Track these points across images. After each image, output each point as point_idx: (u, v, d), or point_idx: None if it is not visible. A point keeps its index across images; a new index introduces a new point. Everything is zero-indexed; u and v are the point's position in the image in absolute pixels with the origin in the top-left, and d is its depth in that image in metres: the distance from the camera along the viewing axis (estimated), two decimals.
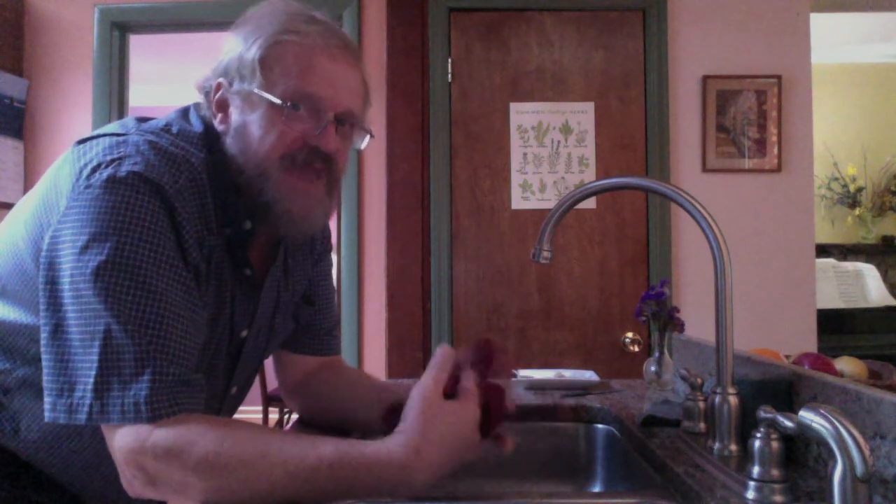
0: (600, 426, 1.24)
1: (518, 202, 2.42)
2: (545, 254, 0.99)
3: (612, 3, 2.43)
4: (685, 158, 2.41)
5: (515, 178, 2.42)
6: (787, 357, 1.15)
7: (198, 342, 0.80)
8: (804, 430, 0.64)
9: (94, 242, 0.74)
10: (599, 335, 2.39)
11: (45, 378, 0.74)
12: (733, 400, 0.87)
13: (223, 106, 0.89)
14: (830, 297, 3.33)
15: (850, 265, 3.55)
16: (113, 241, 0.74)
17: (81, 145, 0.84)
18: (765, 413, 0.72)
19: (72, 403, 0.72)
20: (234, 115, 0.87)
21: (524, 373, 1.51)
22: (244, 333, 0.94)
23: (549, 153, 2.42)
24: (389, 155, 2.42)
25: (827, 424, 0.61)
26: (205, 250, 0.84)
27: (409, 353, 2.38)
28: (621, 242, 2.40)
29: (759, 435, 0.73)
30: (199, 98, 0.92)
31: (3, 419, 0.87)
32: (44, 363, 0.74)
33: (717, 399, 0.88)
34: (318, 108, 0.86)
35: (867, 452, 0.60)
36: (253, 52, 0.85)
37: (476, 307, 2.40)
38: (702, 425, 0.99)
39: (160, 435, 0.71)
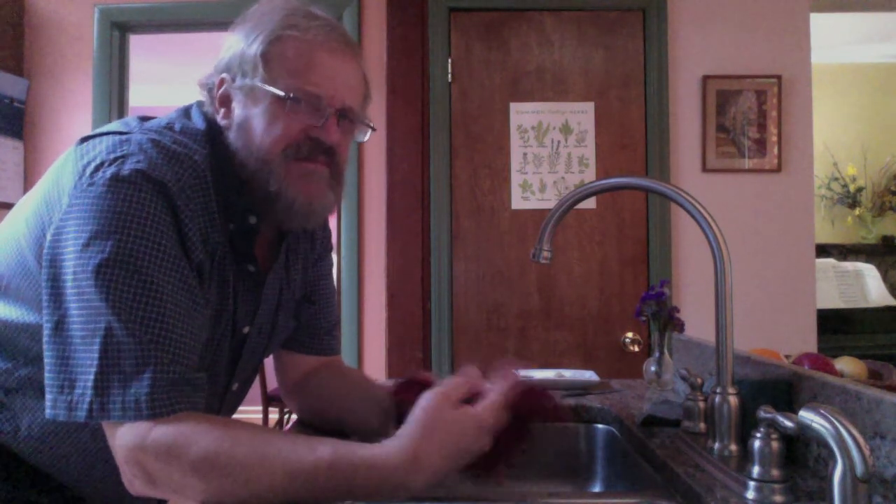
0: (600, 426, 1.24)
1: (518, 202, 2.42)
2: (545, 254, 0.99)
3: (612, 3, 2.43)
4: (685, 158, 2.41)
5: (515, 178, 2.42)
6: (787, 357, 1.15)
7: (199, 340, 0.80)
8: (804, 430, 0.64)
9: (97, 240, 0.74)
10: (599, 335, 2.38)
11: (46, 375, 0.74)
12: (733, 400, 0.87)
13: (226, 101, 0.89)
14: (830, 297, 3.33)
15: (850, 265, 3.55)
16: (115, 239, 0.74)
17: (84, 143, 0.84)
18: (765, 413, 0.72)
19: (72, 400, 0.72)
20: (237, 109, 0.88)
21: (524, 373, 1.51)
22: (246, 329, 0.94)
23: (549, 153, 2.42)
24: (389, 155, 2.42)
25: (827, 424, 0.61)
26: (209, 247, 0.84)
27: (409, 353, 2.38)
28: (621, 242, 2.40)
29: (759, 435, 0.73)
30: (200, 97, 0.93)
31: (4, 419, 0.87)
32: (45, 360, 0.75)
33: (717, 399, 0.88)
34: (318, 103, 0.87)
35: (867, 452, 0.60)
36: (255, 48, 0.86)
37: (476, 307, 2.40)
38: (702, 425, 0.99)
39: (160, 433, 0.71)
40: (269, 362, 1.14)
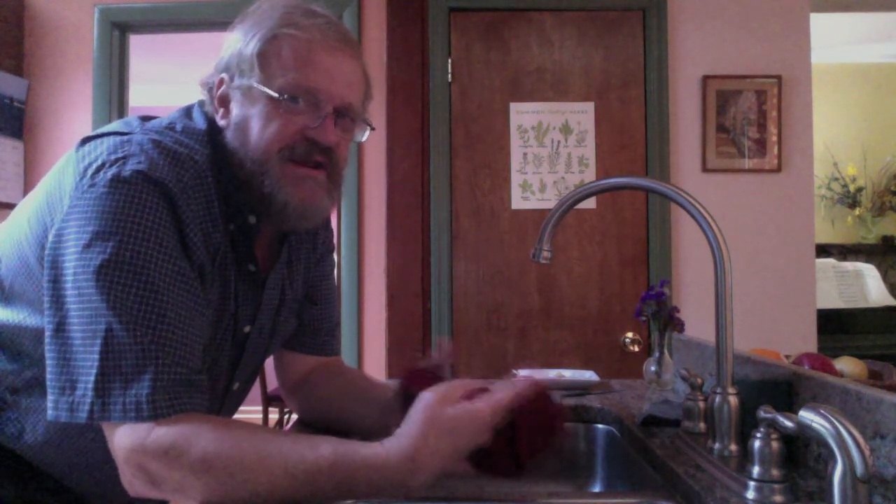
0: (600, 426, 1.24)
1: (518, 202, 2.42)
2: (545, 254, 0.99)
3: (612, 3, 2.43)
4: (685, 158, 2.41)
5: (515, 178, 2.42)
6: (787, 357, 1.15)
7: (201, 341, 0.80)
8: (804, 430, 0.64)
9: (98, 241, 0.74)
10: (599, 335, 2.39)
11: (48, 376, 0.74)
12: (733, 400, 0.87)
13: (225, 101, 0.89)
14: (830, 297, 3.33)
15: (850, 265, 3.55)
16: (116, 240, 0.74)
17: (85, 144, 0.84)
18: (765, 413, 0.72)
19: (73, 402, 0.72)
20: (235, 109, 0.88)
21: (524, 373, 1.51)
22: (247, 329, 0.94)
23: (549, 153, 2.42)
24: (389, 155, 2.42)
25: (827, 424, 0.61)
26: (210, 248, 0.84)
27: (409, 353, 2.38)
28: (621, 242, 2.40)
29: (759, 435, 0.73)
30: (201, 96, 0.93)
31: (10, 419, 0.87)
32: (47, 361, 0.75)
33: (717, 399, 0.88)
34: (316, 102, 0.86)
35: (867, 452, 0.60)
36: (252, 47, 0.86)
37: (476, 307, 2.40)
38: (702, 425, 0.99)
39: (160, 434, 0.71)
40: (269, 362, 1.15)
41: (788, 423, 0.67)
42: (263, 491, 0.71)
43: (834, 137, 4.25)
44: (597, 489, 1.21)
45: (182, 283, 0.78)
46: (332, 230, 1.14)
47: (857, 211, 4.29)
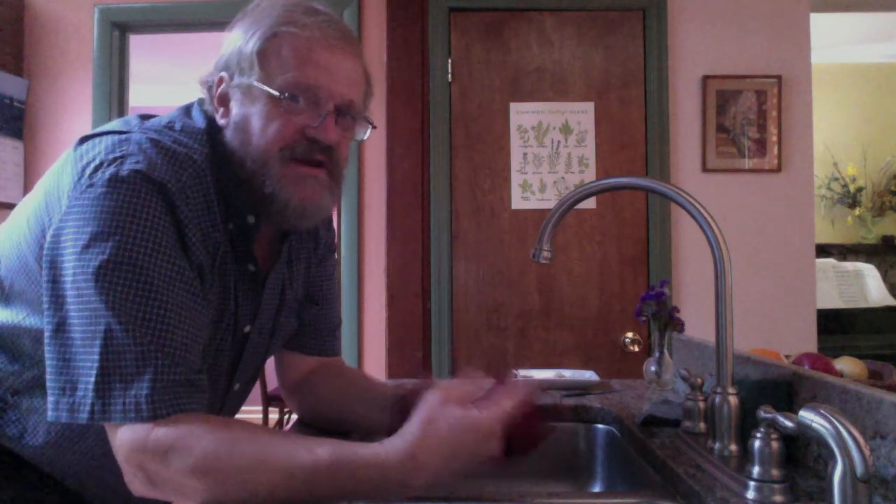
0: (600, 426, 1.24)
1: (518, 202, 2.42)
2: (545, 254, 0.99)
3: (612, 3, 2.43)
4: (685, 158, 2.41)
5: (515, 178, 2.42)
6: (787, 357, 1.15)
7: (201, 341, 0.80)
8: (804, 430, 0.64)
9: (96, 241, 0.74)
10: (599, 335, 2.39)
11: (48, 377, 0.74)
12: (733, 400, 0.87)
13: (224, 100, 0.89)
14: (830, 297, 3.33)
15: (850, 265, 3.55)
16: (115, 241, 0.74)
17: (83, 144, 0.83)
18: (765, 413, 0.72)
19: (74, 402, 0.72)
20: (235, 108, 0.87)
21: (524, 373, 1.51)
22: (247, 329, 0.94)
23: (549, 153, 2.42)
24: (389, 155, 2.42)
25: (827, 424, 0.61)
26: (210, 247, 0.83)
27: (409, 353, 2.38)
28: (621, 242, 2.40)
29: (759, 435, 0.73)
30: (201, 95, 0.92)
31: (11, 420, 0.87)
32: (47, 362, 0.75)
33: (717, 399, 0.88)
34: (316, 100, 0.85)
35: (867, 452, 0.60)
36: (251, 45, 0.85)
37: (476, 307, 2.40)
38: (702, 425, 0.99)
39: (160, 434, 0.71)
40: (269, 362, 1.15)
41: (788, 423, 0.67)
42: (263, 491, 0.71)
43: (834, 137, 4.25)
44: (597, 489, 1.21)
45: (181, 283, 0.77)
46: (333, 230, 1.14)
47: (857, 211, 4.29)
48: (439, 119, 2.41)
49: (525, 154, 2.42)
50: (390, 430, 0.76)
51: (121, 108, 2.56)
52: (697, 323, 1.62)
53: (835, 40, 4.02)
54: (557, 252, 2.36)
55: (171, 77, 4.68)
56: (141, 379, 0.72)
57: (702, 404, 1.00)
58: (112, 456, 0.75)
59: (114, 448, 0.74)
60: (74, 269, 0.74)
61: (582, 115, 2.42)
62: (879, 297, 3.45)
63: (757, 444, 0.73)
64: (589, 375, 1.47)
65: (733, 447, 0.87)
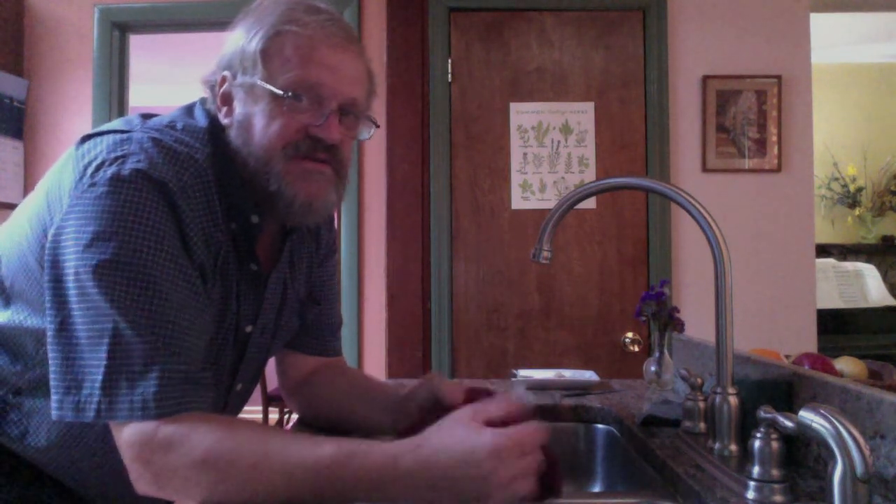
0: (600, 426, 1.24)
1: (518, 202, 2.42)
2: (545, 254, 0.99)
3: (612, 3, 2.43)
4: (685, 158, 2.41)
5: (515, 178, 2.42)
6: (787, 357, 1.15)
7: (203, 340, 0.80)
8: (804, 430, 0.64)
9: (98, 241, 0.73)
10: (599, 335, 2.39)
11: (51, 376, 0.74)
12: (733, 400, 0.88)
13: (227, 99, 0.88)
14: (830, 297, 3.33)
15: (850, 265, 3.55)
16: (116, 240, 0.74)
17: (85, 142, 0.83)
18: (765, 413, 0.72)
19: (79, 401, 0.72)
20: (238, 107, 0.87)
21: (524, 373, 1.51)
22: (249, 329, 0.94)
23: (549, 153, 2.42)
24: (389, 155, 2.42)
25: (827, 424, 0.61)
26: (211, 247, 0.83)
27: (409, 353, 2.38)
28: (621, 242, 2.40)
29: (759, 435, 0.73)
30: (203, 94, 0.92)
31: (14, 420, 0.87)
32: (50, 361, 0.74)
33: (717, 399, 0.88)
34: (319, 99, 0.85)
35: (867, 452, 0.60)
36: (254, 44, 0.85)
37: (476, 307, 2.40)
38: (702, 425, 0.99)
39: (165, 432, 0.71)
40: (269, 362, 1.14)
41: (788, 423, 0.67)
42: (265, 491, 0.71)
43: (834, 137, 4.25)
44: (597, 489, 1.21)
45: (183, 282, 0.77)
46: (335, 231, 1.14)
47: (857, 211, 4.29)
48: (439, 119, 2.41)
49: (525, 154, 2.43)
50: (400, 426, 0.74)
51: (121, 108, 2.56)
52: (697, 323, 1.62)
53: (835, 40, 4.02)
54: (557, 252, 2.36)
55: (171, 77, 4.68)
56: (148, 377, 0.72)
57: (702, 404, 1.00)
58: (113, 456, 0.75)
59: (119, 446, 0.74)
60: (76, 268, 0.74)
61: (582, 115, 2.42)
62: (879, 297, 3.45)
63: (757, 444, 0.73)
64: (589, 375, 1.47)
65: (733, 447, 0.87)
